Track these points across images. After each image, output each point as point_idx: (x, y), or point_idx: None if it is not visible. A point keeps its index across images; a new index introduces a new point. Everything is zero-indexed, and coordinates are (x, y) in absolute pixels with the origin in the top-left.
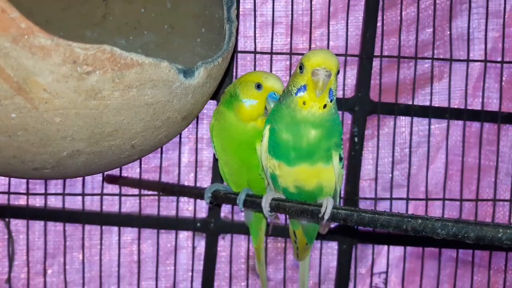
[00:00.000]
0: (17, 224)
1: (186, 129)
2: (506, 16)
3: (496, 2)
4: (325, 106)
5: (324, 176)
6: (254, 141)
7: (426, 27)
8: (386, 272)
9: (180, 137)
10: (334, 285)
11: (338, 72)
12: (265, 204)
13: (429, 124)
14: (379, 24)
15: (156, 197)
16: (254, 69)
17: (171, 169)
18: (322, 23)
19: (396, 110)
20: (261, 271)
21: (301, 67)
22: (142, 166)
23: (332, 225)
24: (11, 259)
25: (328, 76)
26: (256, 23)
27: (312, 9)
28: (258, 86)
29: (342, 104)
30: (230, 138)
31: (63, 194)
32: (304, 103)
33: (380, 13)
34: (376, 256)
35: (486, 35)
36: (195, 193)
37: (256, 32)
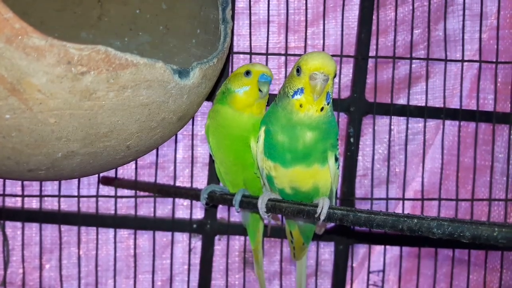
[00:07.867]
0: (13, 227)
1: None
2: (500, 17)
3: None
4: (322, 109)
5: (320, 177)
6: (249, 134)
7: (415, 28)
8: (383, 271)
9: (176, 135)
10: (331, 285)
11: (335, 76)
12: (261, 204)
13: (425, 125)
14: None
15: (152, 199)
16: None
17: (166, 165)
18: (315, 22)
19: (391, 110)
20: (259, 273)
21: (298, 70)
22: (138, 162)
23: (329, 226)
24: (6, 261)
25: (326, 80)
26: (248, 21)
27: (303, 8)
28: (247, 73)
29: (337, 104)
30: (226, 132)
31: (59, 196)
32: (301, 105)
33: (375, 13)
34: (373, 256)
35: (480, 35)
36: (191, 194)
37: (249, 30)
